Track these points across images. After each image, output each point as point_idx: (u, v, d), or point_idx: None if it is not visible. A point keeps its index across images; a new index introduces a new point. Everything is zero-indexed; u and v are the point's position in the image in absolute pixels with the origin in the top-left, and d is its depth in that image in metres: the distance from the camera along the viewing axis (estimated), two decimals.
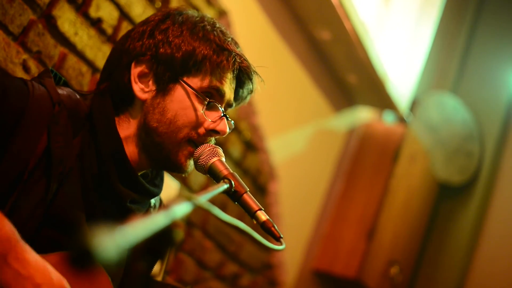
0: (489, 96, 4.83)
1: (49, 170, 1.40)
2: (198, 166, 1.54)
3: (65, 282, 1.28)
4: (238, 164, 3.08)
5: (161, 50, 1.55)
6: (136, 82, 1.56)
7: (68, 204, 1.44)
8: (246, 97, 1.71)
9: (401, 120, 4.14)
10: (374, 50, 3.50)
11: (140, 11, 2.35)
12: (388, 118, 4.22)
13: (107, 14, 2.21)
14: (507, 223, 4.48)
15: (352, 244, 3.89)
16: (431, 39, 4.38)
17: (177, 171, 1.60)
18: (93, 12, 2.16)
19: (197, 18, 1.61)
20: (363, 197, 3.97)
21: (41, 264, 1.26)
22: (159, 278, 1.78)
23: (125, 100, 1.57)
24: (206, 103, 1.56)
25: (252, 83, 1.67)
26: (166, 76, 1.55)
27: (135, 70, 1.56)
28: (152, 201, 1.69)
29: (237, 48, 1.62)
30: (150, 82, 1.56)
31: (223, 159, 1.54)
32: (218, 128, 1.58)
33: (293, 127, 3.60)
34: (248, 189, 1.50)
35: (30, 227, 1.37)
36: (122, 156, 1.52)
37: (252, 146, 3.17)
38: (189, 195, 1.09)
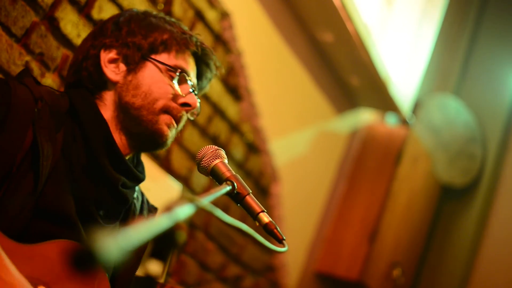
0: (492, 98, 4.82)
1: (37, 164, 1.42)
2: (200, 168, 1.55)
3: None
4: (240, 166, 3.08)
5: (128, 39, 1.65)
6: (106, 66, 1.64)
7: (57, 196, 1.47)
8: (205, 84, 1.81)
9: (404, 122, 4.13)
10: (376, 52, 3.50)
11: None
12: (391, 120, 4.21)
13: (110, 15, 2.21)
14: (510, 225, 4.47)
15: (354, 246, 3.88)
16: (434, 41, 4.38)
17: (159, 142, 1.65)
18: (95, 14, 2.16)
19: (154, 13, 1.74)
20: (365, 199, 3.97)
21: (23, 279, 1.28)
22: (161, 280, 1.78)
23: (98, 86, 1.65)
24: (178, 74, 1.65)
25: (210, 68, 1.78)
26: (136, 57, 1.64)
27: (105, 56, 1.65)
28: (135, 194, 1.72)
29: None
30: (121, 65, 1.65)
31: (226, 161, 1.55)
32: (190, 101, 1.66)
33: (295, 129, 3.60)
34: (251, 191, 1.50)
35: (21, 220, 1.40)
36: (111, 140, 1.58)
37: (254, 148, 3.17)
38: (191, 197, 1.09)
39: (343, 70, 3.72)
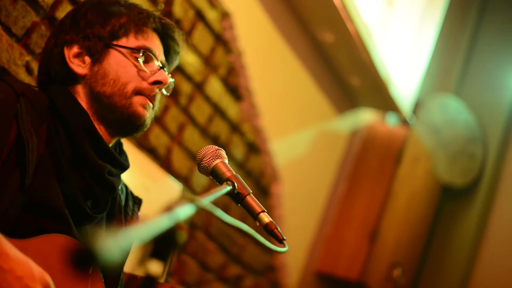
0: (492, 98, 4.82)
1: (23, 159, 1.43)
2: (201, 168, 1.55)
3: (47, 276, 1.30)
4: (241, 166, 3.08)
5: (87, 30, 1.66)
6: (72, 62, 1.65)
7: (45, 189, 1.48)
8: (175, 59, 1.81)
9: (404, 122, 4.13)
10: (377, 53, 3.50)
11: None
12: (391, 120, 4.21)
13: None
14: (510, 225, 4.47)
15: (355, 246, 3.88)
16: (434, 41, 4.38)
17: (137, 124, 1.65)
18: None
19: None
20: (366, 199, 3.97)
21: (23, 258, 1.28)
22: (162, 280, 1.78)
23: (68, 82, 1.65)
24: (141, 54, 1.65)
25: (177, 42, 1.78)
26: (98, 47, 1.65)
27: (68, 52, 1.65)
28: (119, 186, 1.73)
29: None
30: (86, 57, 1.65)
31: (226, 161, 1.55)
32: (160, 78, 1.67)
33: (296, 129, 3.60)
34: (251, 191, 1.50)
35: (11, 215, 1.40)
36: (93, 129, 1.59)
37: (255, 148, 3.17)
38: (192, 197, 1.09)
39: (344, 70, 3.72)
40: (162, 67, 1.68)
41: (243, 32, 2.94)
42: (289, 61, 3.38)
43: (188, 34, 2.64)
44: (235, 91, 2.97)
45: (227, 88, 2.92)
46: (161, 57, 1.72)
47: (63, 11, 2.04)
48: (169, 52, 1.78)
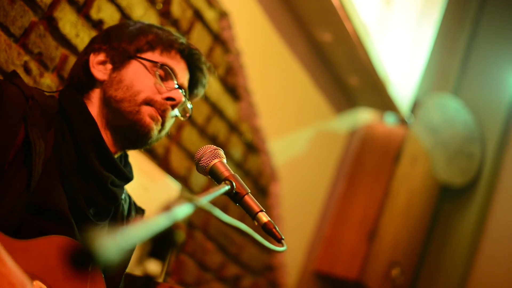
0: (491, 97, 4.82)
1: (30, 160, 1.44)
2: (199, 168, 1.56)
3: None
4: (239, 165, 3.08)
5: (116, 42, 1.70)
6: (94, 67, 1.68)
7: (50, 193, 1.49)
8: (198, 89, 1.82)
9: (402, 121, 4.13)
10: (375, 52, 3.50)
11: (141, 13, 2.35)
12: (389, 120, 4.22)
13: (109, 16, 2.21)
14: (509, 225, 4.47)
15: (353, 246, 3.88)
16: (433, 41, 4.38)
17: (142, 133, 1.65)
18: (94, 14, 2.16)
19: (147, 22, 1.80)
20: (364, 199, 3.97)
21: (17, 269, 1.28)
22: (160, 280, 1.78)
23: (86, 86, 1.68)
24: (159, 67, 1.67)
25: (204, 75, 1.79)
26: (122, 57, 1.68)
27: (93, 59, 1.69)
28: (123, 195, 1.73)
29: None
30: (108, 65, 1.69)
31: (224, 160, 1.55)
32: (174, 95, 1.67)
33: (294, 129, 3.60)
34: (249, 191, 1.51)
35: (15, 217, 1.41)
36: (99, 138, 1.60)
37: (253, 147, 3.17)
38: (190, 197, 1.09)
39: (342, 70, 3.72)
40: (179, 87, 1.69)
41: (241, 32, 2.94)
42: (287, 61, 3.38)
43: (186, 34, 2.64)
44: (234, 90, 2.97)
45: (226, 87, 2.92)
46: (182, 80, 1.73)
47: (61, 11, 2.04)
48: (196, 84, 1.80)
